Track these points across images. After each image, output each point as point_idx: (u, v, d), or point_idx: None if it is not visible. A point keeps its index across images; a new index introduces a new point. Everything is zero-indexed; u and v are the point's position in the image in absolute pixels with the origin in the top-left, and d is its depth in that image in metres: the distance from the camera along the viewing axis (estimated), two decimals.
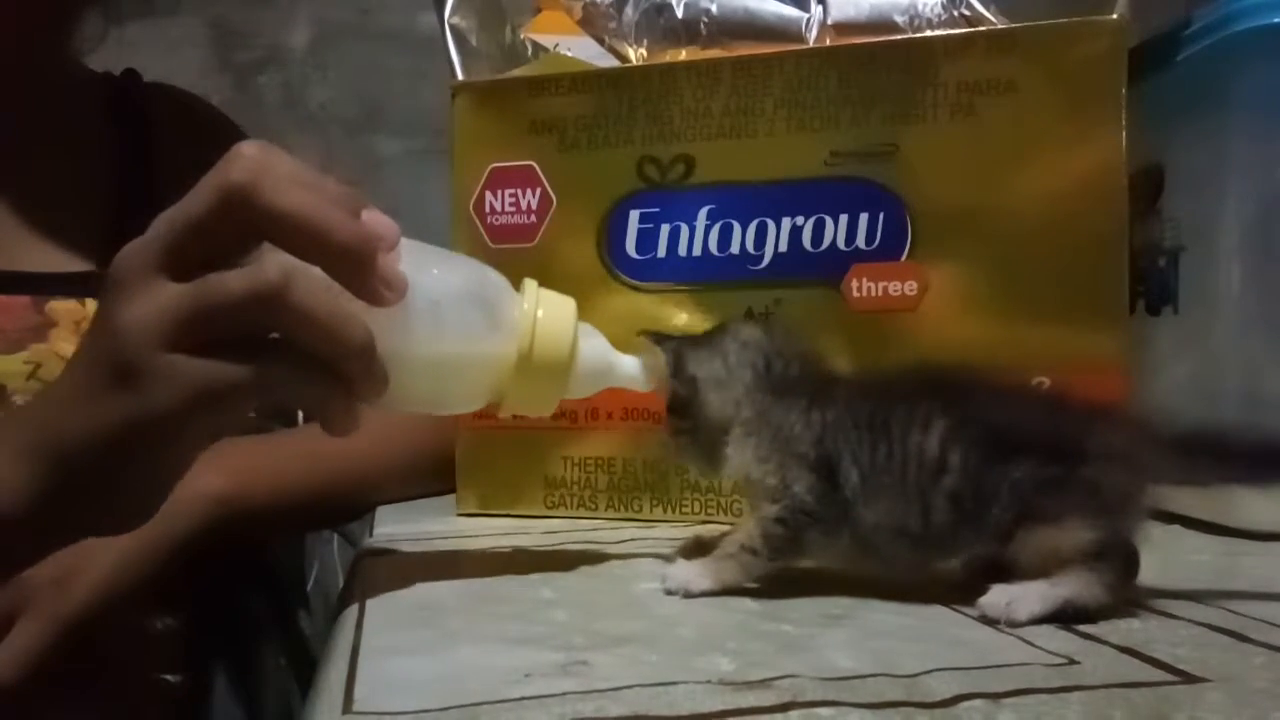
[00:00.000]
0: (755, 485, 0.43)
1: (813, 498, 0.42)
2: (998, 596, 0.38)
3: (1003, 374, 0.43)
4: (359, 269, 0.38)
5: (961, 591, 0.39)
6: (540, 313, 0.44)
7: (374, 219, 0.39)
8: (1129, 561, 0.39)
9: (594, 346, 0.46)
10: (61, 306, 0.59)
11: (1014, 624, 0.37)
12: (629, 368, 0.48)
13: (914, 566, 0.42)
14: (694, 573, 0.43)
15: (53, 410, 0.40)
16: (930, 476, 0.40)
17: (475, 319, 0.43)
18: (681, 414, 0.46)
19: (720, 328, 0.48)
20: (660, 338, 0.48)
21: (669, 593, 0.42)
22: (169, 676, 0.62)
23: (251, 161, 0.37)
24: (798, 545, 0.42)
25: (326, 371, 0.39)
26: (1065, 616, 0.37)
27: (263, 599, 0.73)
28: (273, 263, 0.37)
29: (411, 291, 0.39)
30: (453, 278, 0.43)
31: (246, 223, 0.37)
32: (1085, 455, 0.39)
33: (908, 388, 0.43)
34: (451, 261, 0.44)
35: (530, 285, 0.46)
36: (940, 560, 0.41)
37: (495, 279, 0.45)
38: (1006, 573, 0.39)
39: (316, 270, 0.38)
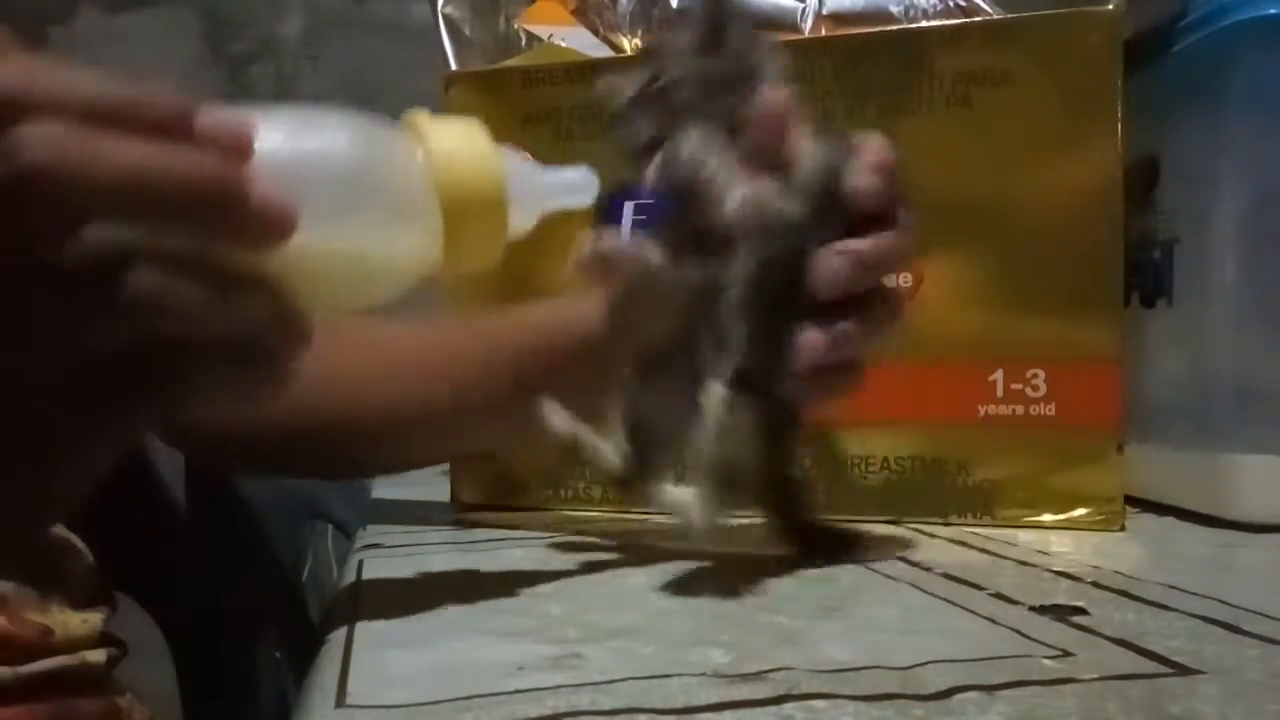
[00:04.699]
0: None
1: None
2: None
3: None
4: (231, 214, 0.28)
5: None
6: (445, 141, 0.36)
7: (215, 128, 0.28)
8: None
9: (516, 162, 0.38)
10: None
11: None
12: (568, 174, 0.41)
13: None
14: None
15: None
16: None
17: (378, 183, 0.34)
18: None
19: None
20: None
21: None
22: None
23: (46, 137, 0.26)
24: None
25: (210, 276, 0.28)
26: None
27: (258, 590, 0.73)
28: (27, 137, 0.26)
29: (299, 182, 0.30)
30: (336, 144, 0.33)
31: (52, 213, 0.27)
32: None
33: None
34: (317, 123, 0.34)
35: (420, 118, 0.37)
36: None
37: (371, 125, 0.35)
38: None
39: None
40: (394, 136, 0.36)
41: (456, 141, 0.36)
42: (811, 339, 0.41)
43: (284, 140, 0.31)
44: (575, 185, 0.41)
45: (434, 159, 0.35)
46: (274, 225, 0.28)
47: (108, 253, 0.27)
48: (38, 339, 0.29)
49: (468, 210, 0.36)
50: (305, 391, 0.34)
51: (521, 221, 0.38)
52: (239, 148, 0.29)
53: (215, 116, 0.29)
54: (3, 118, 0.27)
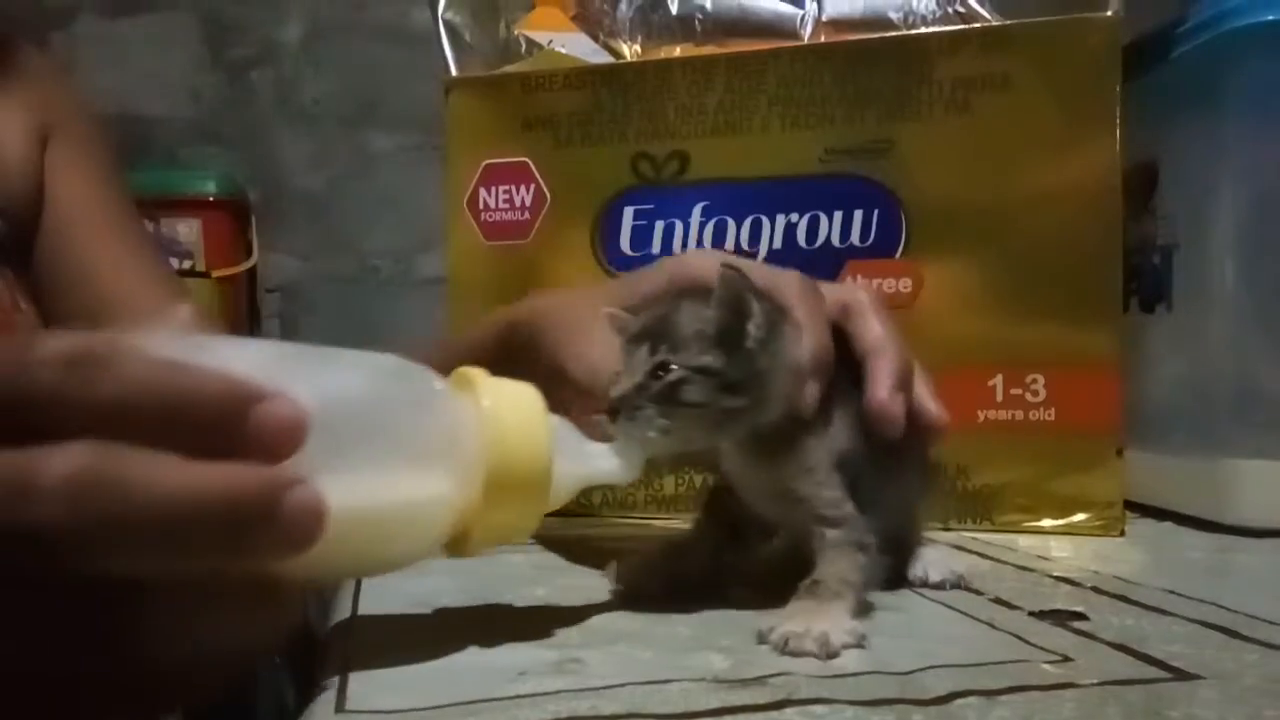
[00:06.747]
0: (798, 500, 0.37)
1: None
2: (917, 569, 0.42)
3: None
4: (263, 533, 0.24)
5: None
6: (503, 413, 0.33)
7: (267, 421, 0.25)
8: None
9: (564, 433, 0.35)
10: None
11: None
12: (607, 461, 0.37)
13: None
14: (824, 625, 0.33)
15: None
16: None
17: (414, 442, 0.31)
18: (735, 390, 0.36)
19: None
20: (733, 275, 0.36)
21: (792, 654, 0.33)
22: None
23: (67, 482, 0.23)
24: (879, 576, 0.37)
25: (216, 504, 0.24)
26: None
27: None
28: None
29: (334, 444, 0.27)
30: (385, 401, 0.30)
31: (67, 554, 0.23)
32: None
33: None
34: (361, 376, 0.31)
35: (477, 376, 0.34)
36: None
37: (416, 373, 0.32)
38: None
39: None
40: (433, 379, 0.33)
41: (511, 409, 0.33)
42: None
43: (328, 396, 0.27)
44: (614, 464, 0.37)
45: (488, 420, 0.32)
46: (301, 537, 0.25)
47: (119, 584, 0.24)
48: (40, 650, 0.25)
49: (511, 489, 0.33)
50: None
51: (561, 498, 0.35)
52: (289, 444, 0.25)
53: (270, 408, 0.25)
54: (28, 428, 0.23)
